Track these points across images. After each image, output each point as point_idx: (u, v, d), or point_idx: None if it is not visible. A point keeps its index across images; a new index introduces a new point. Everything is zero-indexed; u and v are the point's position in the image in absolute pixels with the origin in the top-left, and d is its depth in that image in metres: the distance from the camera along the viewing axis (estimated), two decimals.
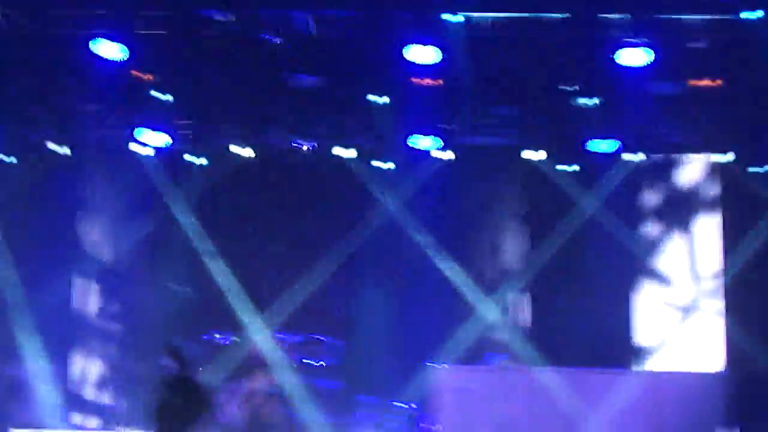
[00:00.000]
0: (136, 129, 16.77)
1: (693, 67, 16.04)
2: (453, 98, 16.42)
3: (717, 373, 16.92)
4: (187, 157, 17.63)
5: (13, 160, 17.56)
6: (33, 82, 16.02)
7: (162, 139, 16.92)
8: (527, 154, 17.15)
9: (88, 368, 18.19)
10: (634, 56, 15.27)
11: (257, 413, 14.23)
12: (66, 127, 16.97)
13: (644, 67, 15.43)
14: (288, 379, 16.56)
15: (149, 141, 17.00)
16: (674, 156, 18.09)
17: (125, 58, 15.10)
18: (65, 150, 17.36)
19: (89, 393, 18.03)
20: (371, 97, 16.39)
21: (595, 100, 16.13)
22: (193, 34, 15.76)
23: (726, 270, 17.76)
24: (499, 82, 16.35)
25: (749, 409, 15.96)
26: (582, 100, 16.23)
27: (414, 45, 15.17)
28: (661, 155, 18.03)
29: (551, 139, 17.13)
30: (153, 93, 16.20)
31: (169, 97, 16.36)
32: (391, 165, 17.67)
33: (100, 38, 14.77)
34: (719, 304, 17.75)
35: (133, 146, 17.18)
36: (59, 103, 16.54)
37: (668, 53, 15.77)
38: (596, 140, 16.88)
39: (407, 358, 17.73)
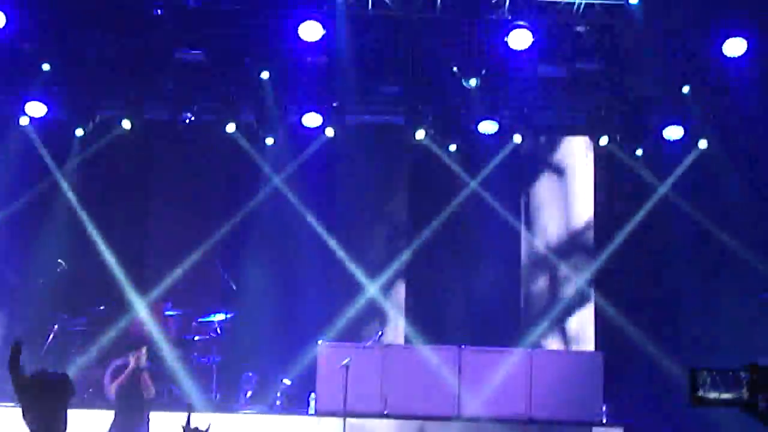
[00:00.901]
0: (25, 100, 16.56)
1: (575, 50, 16.29)
2: (337, 75, 16.47)
3: (591, 352, 17.26)
4: (65, 128, 17.35)
5: None
6: None
7: (41, 109, 16.71)
8: (418, 134, 17.22)
9: None
10: (519, 38, 15.47)
11: (136, 387, 14.14)
12: None
13: (528, 49, 15.64)
14: (168, 354, 16.48)
15: (30, 111, 16.77)
16: (554, 137, 18.32)
17: (2, 26, 14.94)
18: None
19: None
20: (260, 74, 16.38)
21: (478, 81, 16.27)
22: (74, 1, 15.65)
23: (598, 250, 18.07)
24: (383, 60, 16.45)
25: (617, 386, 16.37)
26: (466, 80, 16.35)
27: (302, 22, 15.24)
28: (541, 137, 18.26)
29: (436, 119, 17.23)
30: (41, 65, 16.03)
31: (47, 66, 16.17)
32: (270, 140, 17.61)
33: None
34: (590, 285, 18.06)
35: (22, 119, 16.93)
36: None
37: (552, 36, 16.03)
38: (479, 120, 17.03)
39: (291, 333, 17.77)
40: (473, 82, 16.32)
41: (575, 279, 18.01)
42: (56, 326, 16.66)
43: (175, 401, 16.26)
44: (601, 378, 16.10)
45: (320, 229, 18.14)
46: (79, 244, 17.75)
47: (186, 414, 4.98)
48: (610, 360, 16.34)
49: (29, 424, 6.08)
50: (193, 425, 5.85)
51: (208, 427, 5.90)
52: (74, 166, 17.95)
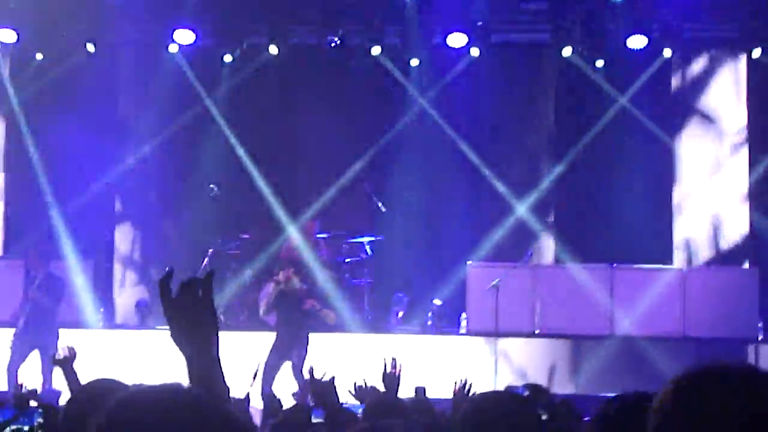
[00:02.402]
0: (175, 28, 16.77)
1: None
2: None
3: (746, 269, 16.94)
4: (213, 54, 17.54)
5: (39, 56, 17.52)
6: None
7: (190, 37, 16.90)
8: (564, 51, 16.98)
9: (126, 265, 18.35)
10: None
11: (290, 308, 14.30)
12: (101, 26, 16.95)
13: None
14: (320, 275, 16.67)
15: (178, 38, 16.98)
16: (704, 50, 17.85)
17: None
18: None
19: (127, 292, 18.22)
20: None
21: None
22: None
23: (752, 164, 17.64)
24: None
25: None
26: None
27: None
28: (692, 51, 17.80)
29: (583, 35, 16.96)
30: None
31: None
32: (415, 61, 17.56)
33: None
34: (744, 198, 17.62)
35: (171, 46, 17.15)
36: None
37: None
38: (627, 36, 16.71)
39: (440, 254, 17.83)
40: None
41: (727, 194, 17.61)
42: (210, 250, 16.96)
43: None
44: (757, 294, 15.86)
45: (467, 150, 18.10)
46: (231, 169, 18.01)
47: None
48: (767, 276, 16.08)
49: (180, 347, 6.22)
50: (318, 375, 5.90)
51: (332, 380, 5.93)
52: (223, 92, 18.17)
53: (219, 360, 3.12)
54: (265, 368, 13.33)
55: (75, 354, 6.64)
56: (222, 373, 3.12)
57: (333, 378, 6.03)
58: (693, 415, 2.49)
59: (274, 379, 13.74)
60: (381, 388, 6.51)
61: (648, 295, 15.93)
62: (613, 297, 16.02)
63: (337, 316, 15.00)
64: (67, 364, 6.45)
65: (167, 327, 3.13)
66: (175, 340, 3.11)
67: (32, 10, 16.43)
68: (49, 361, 11.64)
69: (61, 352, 6.62)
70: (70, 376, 6.35)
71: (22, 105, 18.00)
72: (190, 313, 3.08)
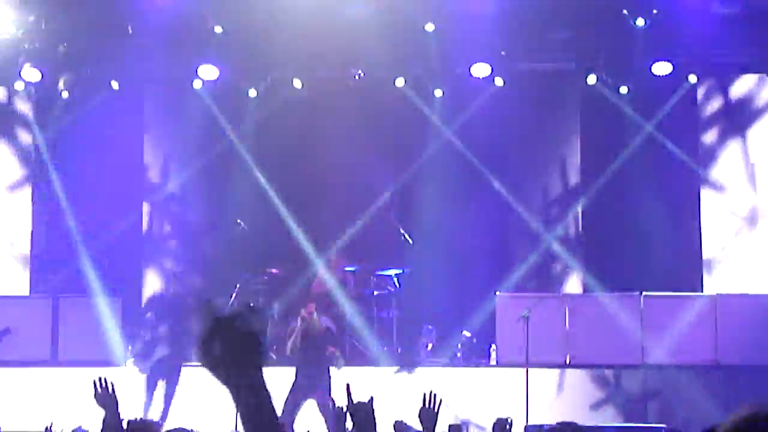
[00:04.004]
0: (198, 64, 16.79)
1: None
2: (505, 24, 16.26)
3: None
4: (238, 88, 17.56)
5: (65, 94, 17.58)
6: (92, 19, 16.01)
7: (214, 72, 16.91)
8: (589, 79, 16.92)
9: (154, 303, 18.35)
10: None
11: (313, 344, 14.25)
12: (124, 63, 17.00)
13: None
14: (347, 309, 16.62)
15: (202, 74, 16.99)
16: (730, 76, 17.76)
17: None
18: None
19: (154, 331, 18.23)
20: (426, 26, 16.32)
21: (646, 21, 15.92)
22: None
23: None
24: (550, 5, 16.18)
25: None
26: (637, 21, 16.03)
27: None
28: (717, 77, 17.71)
29: (607, 62, 16.90)
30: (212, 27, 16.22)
31: (219, 29, 16.35)
32: (439, 92, 17.53)
33: None
34: None
35: (195, 82, 17.17)
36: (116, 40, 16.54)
37: None
38: (652, 62, 16.64)
39: (468, 285, 17.73)
40: (640, 22, 15.99)
41: (757, 219, 17.48)
42: (238, 285, 16.92)
43: (358, 355, 16.43)
44: None
45: (493, 179, 18.04)
46: (257, 203, 18.00)
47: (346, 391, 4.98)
48: None
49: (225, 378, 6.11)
50: (355, 399, 5.78)
51: (371, 400, 5.83)
52: (249, 126, 18.18)
53: (269, 393, 3.04)
54: (283, 410, 13.25)
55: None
56: (272, 406, 3.04)
57: (371, 398, 5.93)
58: None
59: (294, 420, 13.66)
60: (417, 425, 6.41)
61: (679, 322, 15.80)
62: (643, 325, 15.90)
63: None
64: (111, 402, 6.28)
65: (207, 358, 3.02)
66: (219, 371, 3.01)
67: (56, 48, 16.48)
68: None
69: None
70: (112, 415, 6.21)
71: (49, 142, 18.06)
72: (244, 343, 3.00)
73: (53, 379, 15.88)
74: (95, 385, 6.29)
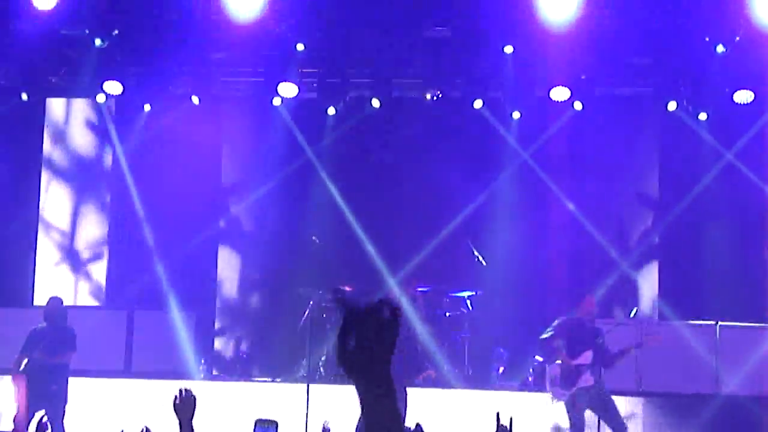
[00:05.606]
0: (279, 82, 16.87)
1: None
2: (585, 47, 16.19)
3: None
4: (316, 107, 17.64)
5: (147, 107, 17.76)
6: (174, 33, 16.19)
7: (293, 90, 16.99)
8: (670, 106, 16.79)
9: (227, 318, 18.50)
10: None
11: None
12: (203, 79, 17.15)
13: None
14: (419, 330, 16.59)
15: (282, 92, 17.08)
16: None
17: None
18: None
19: (227, 345, 18.36)
20: (505, 48, 16.29)
21: (725, 48, 15.77)
22: None
23: None
24: (631, 30, 16.08)
25: None
26: (717, 48, 15.88)
27: None
28: None
29: (687, 89, 16.75)
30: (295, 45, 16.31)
31: (301, 47, 16.44)
32: (517, 115, 17.48)
33: None
34: None
35: (275, 99, 17.28)
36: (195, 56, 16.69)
37: None
38: (734, 90, 16.47)
39: (541, 309, 17.62)
40: (720, 48, 15.84)
41: None
42: (311, 302, 16.96)
43: (427, 379, 16.39)
44: None
45: (569, 204, 17.96)
46: (333, 221, 18.07)
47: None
48: None
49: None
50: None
51: (418, 426, 5.80)
52: (327, 144, 18.27)
53: (394, 389, 2.98)
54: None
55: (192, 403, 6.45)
56: (396, 403, 2.99)
57: (418, 425, 5.90)
58: None
59: None
60: None
61: (754, 353, 15.60)
62: (717, 355, 15.72)
63: (437, 373, 14.87)
64: (188, 412, 6.32)
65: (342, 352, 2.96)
66: (351, 363, 2.96)
67: (138, 62, 16.68)
68: None
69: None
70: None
71: (128, 155, 18.28)
72: (378, 334, 2.96)
73: (126, 390, 16.04)
74: (177, 395, 6.36)
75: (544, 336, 14.05)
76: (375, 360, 2.93)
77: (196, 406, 6.38)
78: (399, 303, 3.03)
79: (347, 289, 16.90)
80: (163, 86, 17.08)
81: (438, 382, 16.32)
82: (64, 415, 14.04)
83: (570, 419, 13.69)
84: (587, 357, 13.64)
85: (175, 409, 6.36)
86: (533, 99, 17.28)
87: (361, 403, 2.93)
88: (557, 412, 14.79)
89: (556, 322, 14.23)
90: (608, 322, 15.99)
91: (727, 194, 17.67)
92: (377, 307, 2.96)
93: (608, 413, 13.66)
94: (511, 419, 6.29)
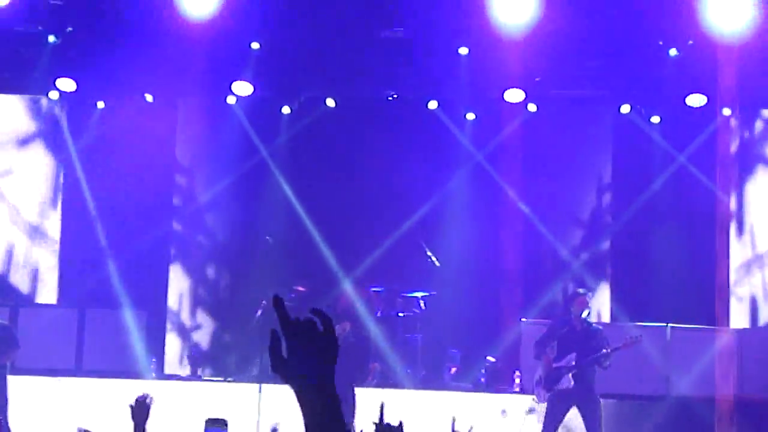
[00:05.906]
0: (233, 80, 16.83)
1: None
2: (540, 50, 16.25)
3: None
4: (271, 106, 17.62)
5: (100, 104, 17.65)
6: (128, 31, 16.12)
7: (248, 89, 16.95)
8: (623, 108, 16.90)
9: (179, 317, 18.42)
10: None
11: (341, 362, 14.20)
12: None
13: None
14: (372, 330, 16.59)
15: (237, 90, 17.04)
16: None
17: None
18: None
19: (178, 344, 18.28)
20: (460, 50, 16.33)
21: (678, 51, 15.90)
22: None
23: None
24: (585, 33, 16.16)
25: None
26: (671, 52, 16.00)
27: None
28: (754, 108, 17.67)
29: (640, 92, 16.87)
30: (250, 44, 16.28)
31: (256, 45, 16.40)
32: (471, 116, 17.53)
33: None
34: None
35: (230, 98, 17.25)
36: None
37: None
38: (686, 94, 16.60)
39: (494, 311, 17.70)
40: (673, 52, 15.96)
41: None
42: (264, 302, 16.91)
43: (381, 377, 16.40)
44: None
45: (522, 205, 18.02)
46: (287, 221, 18.04)
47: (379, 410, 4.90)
48: None
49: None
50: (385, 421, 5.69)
51: (400, 424, 5.76)
52: (281, 143, 18.24)
53: (337, 396, 3.04)
54: None
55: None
56: (340, 409, 3.03)
57: (401, 423, 5.88)
58: None
59: None
60: None
61: (704, 355, 15.72)
62: (668, 357, 15.83)
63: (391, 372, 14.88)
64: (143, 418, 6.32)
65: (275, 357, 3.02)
66: (285, 372, 3.03)
67: (91, 59, 16.58)
68: None
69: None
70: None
71: (81, 152, 18.16)
72: (320, 343, 3.02)
73: (77, 388, 15.93)
74: (137, 400, 6.39)
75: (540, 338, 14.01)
76: (310, 369, 2.98)
77: (151, 411, 6.40)
78: (331, 317, 3.05)
79: (300, 289, 16.91)
80: (117, 84, 17.01)
81: (390, 382, 16.33)
82: (6, 416, 13.77)
83: (543, 420, 13.69)
84: (569, 360, 13.59)
85: (131, 413, 6.38)
86: (487, 100, 17.37)
87: (300, 408, 2.99)
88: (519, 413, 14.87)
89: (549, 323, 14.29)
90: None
91: (679, 197, 17.81)
92: (310, 320, 3.02)
93: (587, 418, 13.54)
94: (471, 428, 6.29)
